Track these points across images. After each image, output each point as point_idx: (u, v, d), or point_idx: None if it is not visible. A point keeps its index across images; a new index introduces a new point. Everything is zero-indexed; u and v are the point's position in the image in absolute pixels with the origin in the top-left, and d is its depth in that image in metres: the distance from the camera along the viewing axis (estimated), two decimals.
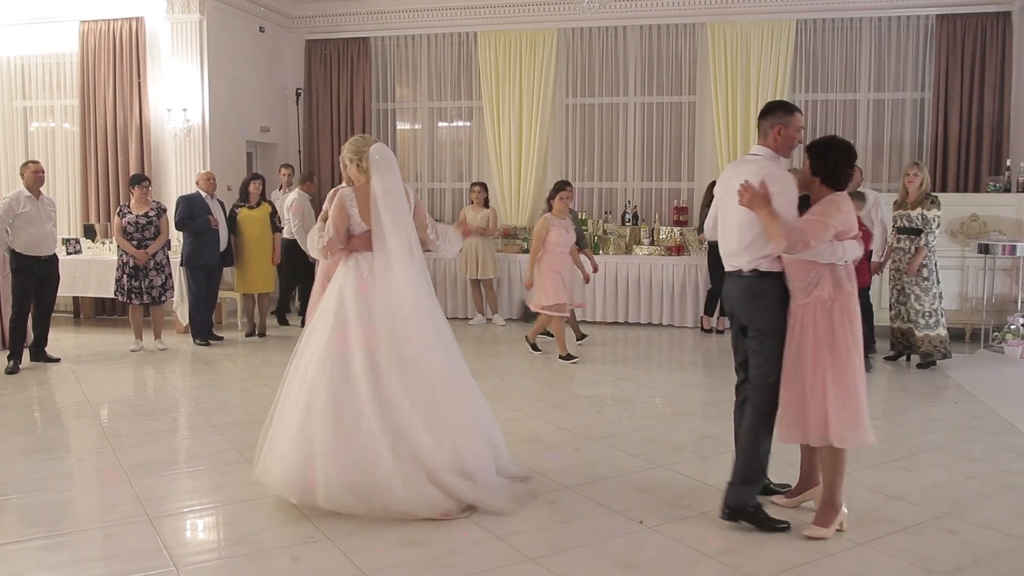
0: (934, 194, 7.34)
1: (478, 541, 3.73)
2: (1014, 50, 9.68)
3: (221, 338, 8.77)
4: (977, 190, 9.44)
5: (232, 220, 8.88)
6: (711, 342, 8.88)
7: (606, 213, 10.81)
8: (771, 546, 3.70)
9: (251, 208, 8.92)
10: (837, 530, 3.80)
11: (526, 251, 10.17)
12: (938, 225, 7.24)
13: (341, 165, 4.45)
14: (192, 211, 8.37)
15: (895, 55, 10.15)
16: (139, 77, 9.94)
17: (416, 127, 11.65)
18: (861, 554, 3.62)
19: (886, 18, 10.07)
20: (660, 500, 4.23)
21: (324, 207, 4.51)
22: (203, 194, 8.54)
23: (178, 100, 9.78)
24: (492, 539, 3.74)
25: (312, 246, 4.45)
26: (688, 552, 3.63)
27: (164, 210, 8.25)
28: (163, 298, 8.26)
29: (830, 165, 3.80)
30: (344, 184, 4.52)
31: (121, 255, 8.11)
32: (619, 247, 10.16)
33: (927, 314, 7.28)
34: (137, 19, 9.94)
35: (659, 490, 4.37)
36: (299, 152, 11.61)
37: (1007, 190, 8.96)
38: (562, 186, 7.98)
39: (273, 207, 9.13)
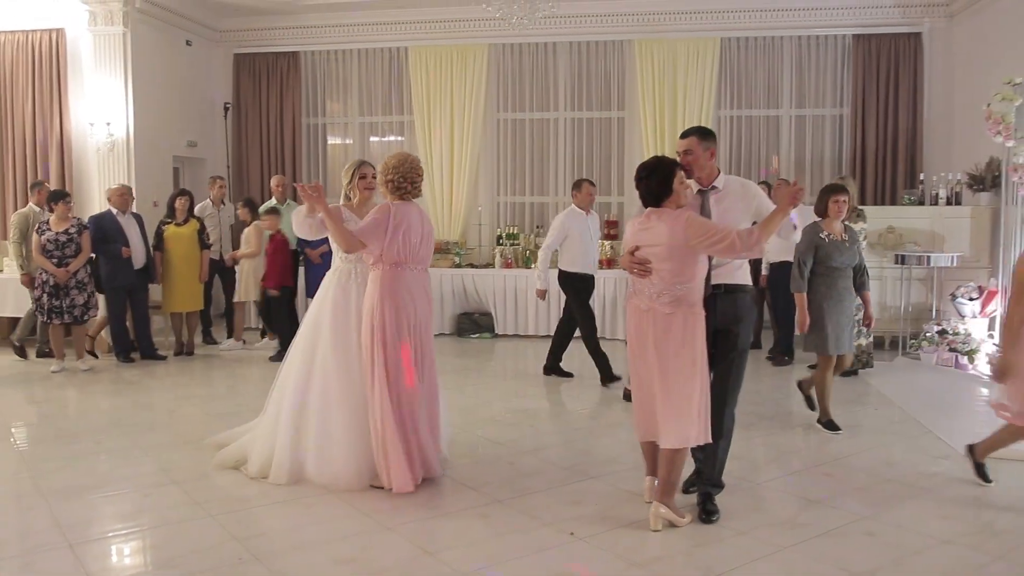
0: (860, 207, 7.60)
1: (411, 557, 3.72)
2: (925, 69, 10.11)
3: (164, 356, 8.56)
4: (894, 203, 9.80)
5: (158, 237, 8.69)
6: None
7: (537, 227, 10.90)
8: (699, 553, 3.77)
9: (178, 225, 8.73)
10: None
11: (458, 265, 10.19)
12: (864, 237, 7.50)
13: (380, 179, 4.69)
14: (104, 234, 8.13)
15: (815, 73, 10.50)
16: (59, 90, 9.69)
17: (347, 142, 11.60)
18: (784, 558, 3.72)
19: (806, 37, 10.43)
20: (592, 512, 4.27)
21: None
22: (114, 211, 8.29)
23: (101, 114, 9.56)
24: (424, 555, 3.74)
25: None
26: (618, 562, 3.68)
27: (85, 227, 8.03)
28: (85, 317, 8.03)
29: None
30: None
31: (40, 273, 7.87)
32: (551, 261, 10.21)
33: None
34: (57, 31, 9.71)
35: (591, 501, 4.42)
36: (227, 167, 11.44)
37: (921, 203, 9.33)
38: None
39: (201, 224, 8.95)
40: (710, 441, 4.06)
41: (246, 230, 8.96)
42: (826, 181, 8.13)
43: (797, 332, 5.76)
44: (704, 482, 4.28)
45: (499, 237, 10.59)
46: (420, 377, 4.62)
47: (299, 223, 4.75)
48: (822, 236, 5.77)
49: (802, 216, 7.62)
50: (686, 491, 4.46)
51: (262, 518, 4.21)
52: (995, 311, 8.07)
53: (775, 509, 4.30)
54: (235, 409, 6.49)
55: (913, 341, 8.51)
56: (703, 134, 4.29)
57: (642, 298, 4.06)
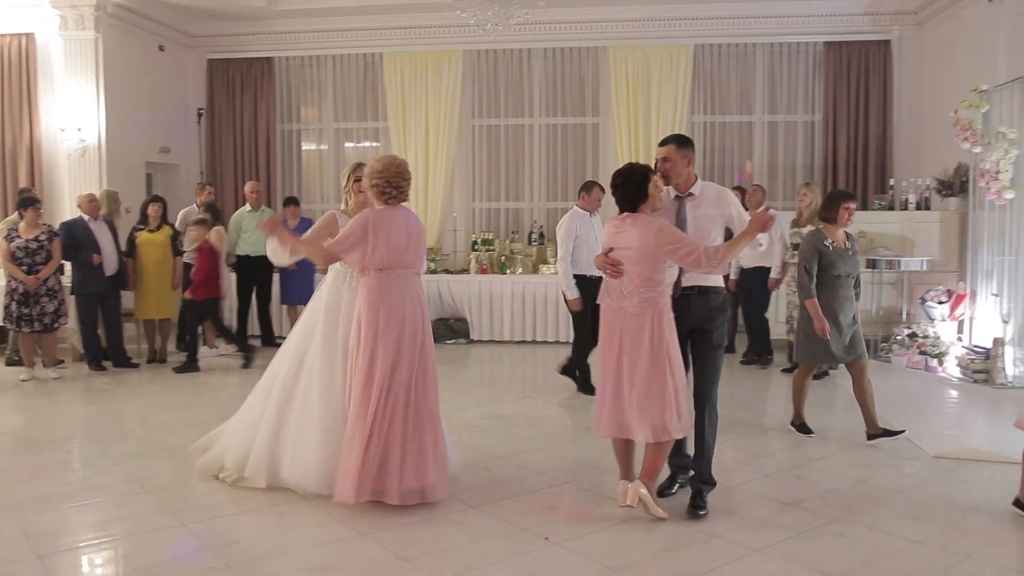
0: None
1: (386, 564, 3.72)
2: (895, 76, 10.26)
3: (137, 364, 8.48)
4: (864, 208, 9.89)
5: (131, 243, 8.61)
6: None
7: (513, 233, 10.92)
8: (673, 556, 3.80)
9: (151, 231, 8.67)
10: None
11: (434, 271, 10.19)
12: None
13: (366, 183, 4.62)
14: (76, 241, 8.04)
15: (787, 79, 10.62)
16: (29, 95, 9.59)
17: (322, 148, 11.57)
18: (757, 560, 3.75)
19: (778, 44, 10.54)
20: (566, 516, 4.29)
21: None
22: (86, 218, 8.20)
23: (72, 119, 9.48)
24: (399, 561, 3.73)
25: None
26: (592, 566, 3.69)
27: (56, 234, 7.95)
28: (56, 325, 7.95)
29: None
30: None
31: (10, 280, 7.77)
32: (526, 266, 10.27)
33: None
34: (27, 35, 9.62)
35: (565, 506, 4.44)
36: (201, 173, 11.37)
37: (891, 208, 9.45)
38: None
39: (175, 230, 8.88)
40: (689, 435, 4.26)
41: (208, 236, 8.86)
42: (799, 186, 8.21)
43: (824, 338, 5.55)
44: (695, 479, 4.41)
45: (474, 243, 10.60)
46: (409, 394, 4.39)
47: (272, 250, 4.81)
48: (826, 244, 5.61)
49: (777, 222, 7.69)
50: (661, 494, 4.49)
51: (236, 526, 4.19)
52: (963, 314, 8.19)
53: (748, 512, 4.33)
54: (209, 416, 6.43)
55: (884, 344, 8.61)
56: (681, 142, 4.44)
57: (613, 297, 4.24)
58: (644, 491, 4.15)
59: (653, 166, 4.41)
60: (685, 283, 4.34)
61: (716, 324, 4.40)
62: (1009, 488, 4.75)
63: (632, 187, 4.18)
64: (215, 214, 8.96)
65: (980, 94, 7.79)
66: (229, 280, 9.05)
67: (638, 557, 3.80)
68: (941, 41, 9.67)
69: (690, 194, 4.39)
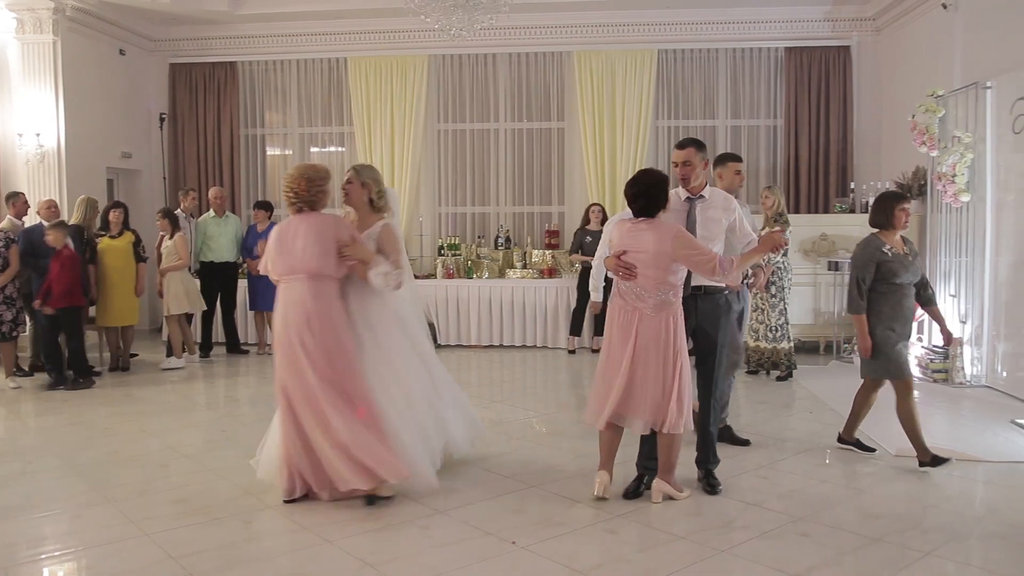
0: (786, 215, 7.78)
1: (352, 570, 3.69)
2: (854, 81, 10.44)
3: (99, 373, 8.35)
4: (826, 211, 10.08)
5: (92, 250, 8.49)
6: (583, 362, 9.08)
7: (479, 237, 10.93)
8: (640, 558, 3.82)
9: (113, 237, 8.55)
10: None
11: None
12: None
13: (351, 183, 4.73)
14: (34, 248, 7.90)
15: (750, 84, 10.75)
16: None
17: (287, 153, 11.50)
18: (722, 561, 3.78)
19: (740, 49, 10.67)
20: (533, 519, 4.30)
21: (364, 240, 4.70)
22: (46, 224, 8.05)
23: (30, 124, 9.33)
24: (365, 567, 3.71)
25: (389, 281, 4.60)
26: (560, 569, 3.70)
27: (13, 240, 7.81)
28: (14, 333, 7.81)
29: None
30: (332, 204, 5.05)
31: None
32: (492, 271, 10.28)
33: (774, 328, 7.73)
34: None
35: (533, 510, 4.44)
36: (164, 179, 11.25)
37: (852, 211, 9.60)
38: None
39: (137, 236, 8.77)
40: (691, 429, 4.49)
41: (171, 241, 8.78)
42: (761, 189, 8.28)
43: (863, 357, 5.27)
44: (701, 462, 4.77)
45: (440, 247, 10.59)
46: (292, 399, 4.44)
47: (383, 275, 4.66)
48: (885, 251, 5.09)
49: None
50: (627, 495, 4.54)
51: (200, 535, 4.14)
52: (922, 315, 8.32)
53: (714, 513, 4.37)
54: (173, 425, 6.38)
55: (846, 345, 8.74)
56: (699, 145, 4.66)
57: (628, 299, 4.39)
58: (665, 486, 4.47)
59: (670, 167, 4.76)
60: (693, 283, 4.58)
61: (721, 323, 4.66)
62: (968, 484, 4.87)
63: (655, 195, 4.33)
64: (173, 220, 8.86)
65: (936, 99, 7.95)
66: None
67: (605, 559, 3.82)
68: (899, 47, 9.85)
69: (701, 196, 4.62)
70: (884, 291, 5.10)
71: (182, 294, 8.70)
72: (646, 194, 4.32)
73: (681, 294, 4.40)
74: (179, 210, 9.41)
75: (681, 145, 4.66)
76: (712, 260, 4.23)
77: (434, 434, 4.89)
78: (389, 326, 4.77)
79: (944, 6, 8.46)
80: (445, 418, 5.02)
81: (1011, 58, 7.27)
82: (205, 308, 9.23)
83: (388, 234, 4.74)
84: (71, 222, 8.26)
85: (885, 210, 5.16)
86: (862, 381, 5.47)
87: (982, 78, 7.57)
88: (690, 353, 4.65)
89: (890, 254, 5.08)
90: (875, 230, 5.22)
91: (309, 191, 4.56)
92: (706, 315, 4.66)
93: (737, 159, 5.57)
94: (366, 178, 4.79)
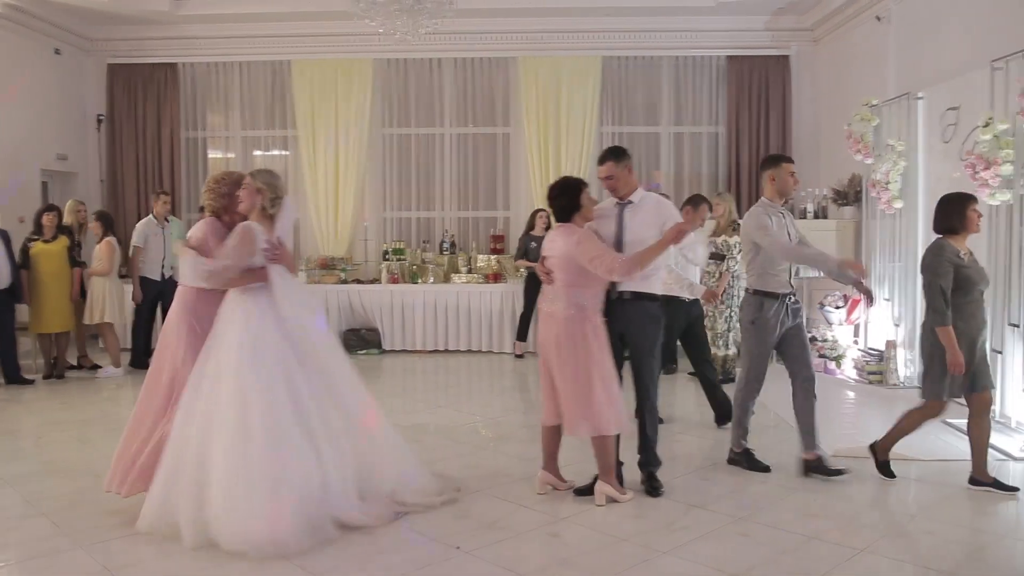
0: (739, 222, 7.90)
1: None
2: (793, 90, 10.66)
3: (31, 381, 8.11)
4: None
5: (24, 255, 8.25)
6: (528, 366, 9.09)
7: (424, 242, 10.90)
8: (582, 560, 3.84)
9: (46, 242, 8.32)
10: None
11: (344, 281, 10.08)
12: (740, 251, 7.80)
13: (244, 188, 4.41)
14: None
15: (692, 92, 10.90)
16: None
17: (229, 156, 11.32)
18: (663, 562, 3.83)
19: (683, 57, 10.81)
20: (478, 524, 4.30)
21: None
22: None
23: None
24: None
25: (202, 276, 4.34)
26: (504, 573, 3.71)
27: None
28: None
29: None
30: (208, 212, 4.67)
31: None
32: (438, 276, 10.25)
33: (720, 335, 7.85)
34: None
35: (477, 515, 4.44)
36: (101, 182, 11.00)
37: None
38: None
39: (72, 240, 8.55)
40: (626, 431, 4.59)
41: (97, 246, 8.57)
42: (712, 196, 8.39)
43: (953, 374, 4.62)
44: (643, 464, 4.81)
45: (385, 252, 10.53)
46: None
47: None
48: (961, 257, 4.63)
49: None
50: (579, 493, 4.71)
51: (135, 547, 4.04)
52: (859, 318, 8.54)
53: (655, 515, 4.43)
54: (107, 434, 6.22)
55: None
56: (617, 156, 4.73)
57: (546, 302, 4.61)
58: (608, 489, 4.54)
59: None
60: (619, 288, 4.63)
61: (648, 331, 4.69)
62: (902, 483, 4.98)
63: (566, 200, 4.55)
64: (107, 223, 8.65)
65: (871, 108, 8.16)
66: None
67: (549, 562, 3.84)
68: (836, 57, 10.09)
69: (630, 202, 4.71)
70: (957, 303, 4.61)
71: (106, 303, 8.48)
72: (558, 199, 4.58)
73: (598, 299, 4.52)
74: (151, 215, 9.08)
75: (600, 160, 4.76)
76: (606, 261, 4.34)
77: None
78: (232, 348, 4.16)
79: (878, 18, 8.70)
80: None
81: (941, 70, 7.51)
82: (131, 319, 8.97)
83: (240, 232, 4.28)
84: None
85: (958, 212, 4.68)
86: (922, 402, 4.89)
87: (914, 88, 7.80)
88: (625, 358, 4.76)
89: (965, 260, 4.65)
90: (940, 235, 4.74)
91: (209, 196, 4.62)
92: (632, 321, 4.67)
93: (789, 160, 5.25)
94: (260, 183, 4.38)
